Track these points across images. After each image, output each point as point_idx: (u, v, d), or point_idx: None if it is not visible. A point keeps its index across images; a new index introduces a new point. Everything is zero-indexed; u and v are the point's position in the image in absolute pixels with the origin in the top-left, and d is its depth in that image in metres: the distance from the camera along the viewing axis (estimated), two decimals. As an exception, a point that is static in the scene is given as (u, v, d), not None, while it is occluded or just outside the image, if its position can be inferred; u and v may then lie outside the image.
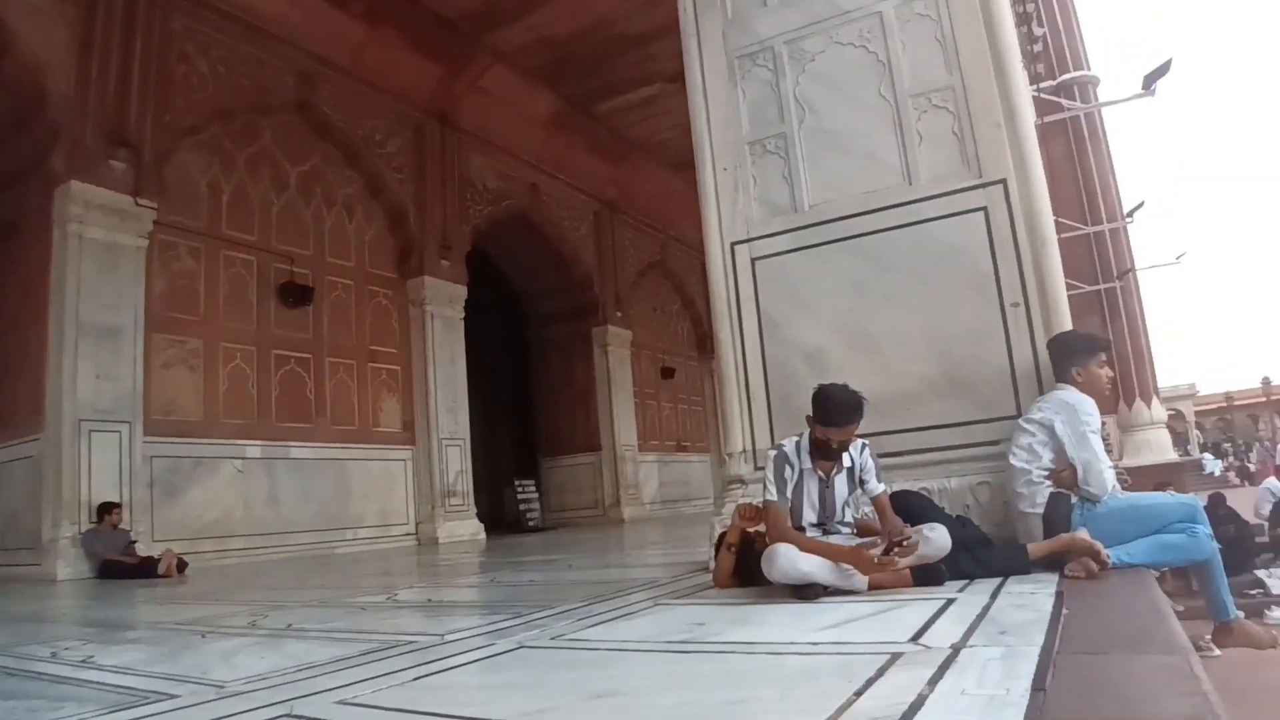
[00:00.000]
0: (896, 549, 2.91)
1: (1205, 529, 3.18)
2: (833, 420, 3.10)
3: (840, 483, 3.27)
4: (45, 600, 5.85)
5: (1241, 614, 3.51)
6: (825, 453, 3.17)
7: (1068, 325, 3.82)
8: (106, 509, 7.52)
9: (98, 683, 2.34)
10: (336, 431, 10.52)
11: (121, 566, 7.17)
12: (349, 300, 11.02)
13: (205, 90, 9.24)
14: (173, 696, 2.05)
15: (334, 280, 10.82)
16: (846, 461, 3.24)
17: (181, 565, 7.28)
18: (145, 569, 7.10)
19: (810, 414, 3.18)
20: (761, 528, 3.27)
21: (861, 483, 3.30)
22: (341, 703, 1.85)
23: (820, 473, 3.23)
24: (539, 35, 11.77)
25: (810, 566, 2.88)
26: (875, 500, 3.28)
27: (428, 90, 12.05)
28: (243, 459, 9.34)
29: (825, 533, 3.24)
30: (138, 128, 8.49)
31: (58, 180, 8.00)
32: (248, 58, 9.74)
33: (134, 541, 7.60)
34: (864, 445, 3.29)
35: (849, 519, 3.37)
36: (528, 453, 16.04)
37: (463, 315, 12.28)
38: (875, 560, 2.90)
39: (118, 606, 5.16)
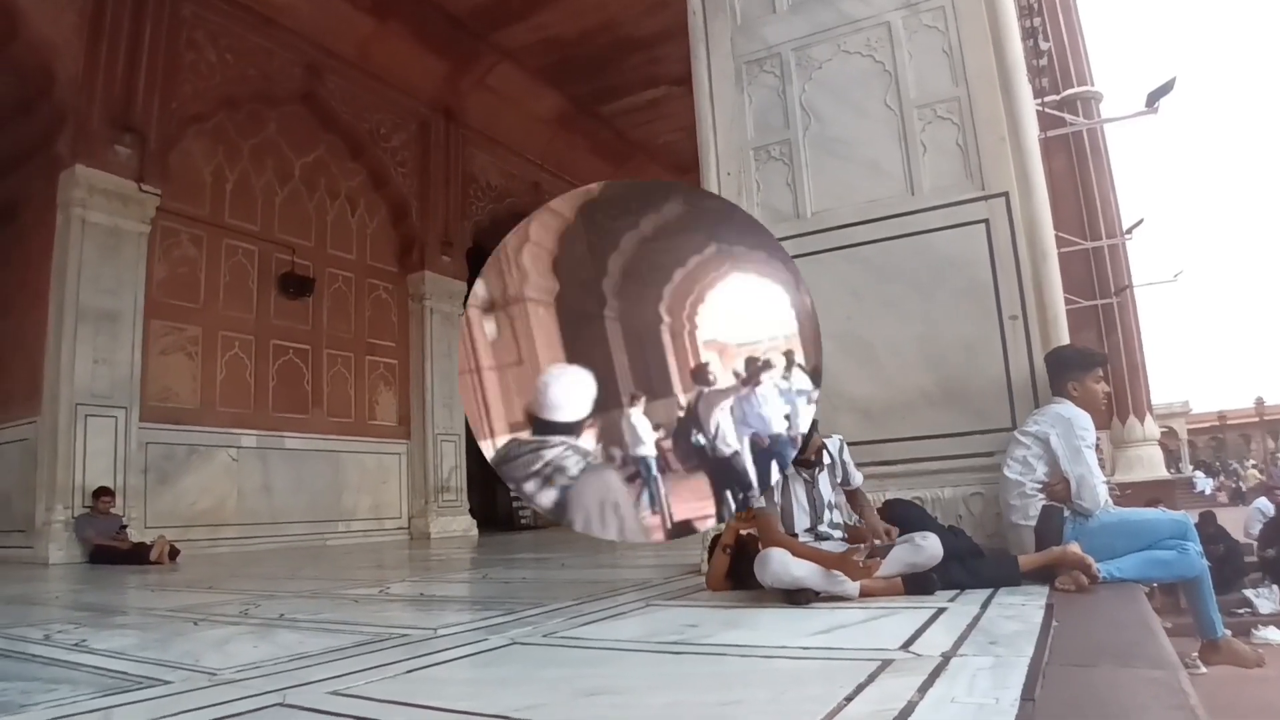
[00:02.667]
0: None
1: (1196, 546, 3.19)
2: None
3: (823, 480, 3.31)
4: (37, 583, 5.84)
5: (1229, 632, 3.52)
6: (798, 460, 3.21)
7: (1065, 339, 3.84)
8: (100, 494, 7.53)
9: (91, 666, 2.34)
10: (332, 423, 10.54)
11: (113, 552, 7.17)
12: (349, 293, 11.06)
13: (212, 78, 9.26)
14: (165, 682, 2.05)
15: (335, 272, 10.85)
16: (826, 459, 3.27)
17: (173, 552, 7.27)
18: (137, 555, 7.10)
19: None
20: (755, 530, 3.29)
21: (845, 481, 3.33)
22: (334, 693, 1.85)
23: (804, 475, 3.26)
24: (546, 35, 11.78)
25: (803, 571, 2.88)
26: (855, 494, 3.32)
27: (433, 86, 12.07)
28: (237, 448, 9.36)
29: (818, 538, 3.25)
30: (144, 113, 8.51)
31: (62, 163, 8.01)
32: (256, 47, 9.75)
33: (125, 527, 7.60)
34: (840, 442, 3.33)
35: (839, 520, 3.39)
36: (522, 450, 15.98)
37: (461, 311, 12.22)
38: (861, 565, 2.92)
39: (109, 591, 5.16)
